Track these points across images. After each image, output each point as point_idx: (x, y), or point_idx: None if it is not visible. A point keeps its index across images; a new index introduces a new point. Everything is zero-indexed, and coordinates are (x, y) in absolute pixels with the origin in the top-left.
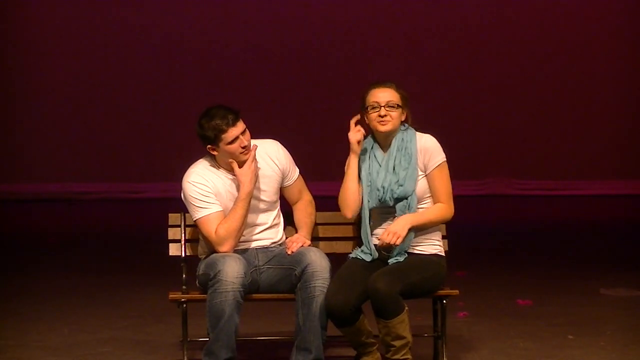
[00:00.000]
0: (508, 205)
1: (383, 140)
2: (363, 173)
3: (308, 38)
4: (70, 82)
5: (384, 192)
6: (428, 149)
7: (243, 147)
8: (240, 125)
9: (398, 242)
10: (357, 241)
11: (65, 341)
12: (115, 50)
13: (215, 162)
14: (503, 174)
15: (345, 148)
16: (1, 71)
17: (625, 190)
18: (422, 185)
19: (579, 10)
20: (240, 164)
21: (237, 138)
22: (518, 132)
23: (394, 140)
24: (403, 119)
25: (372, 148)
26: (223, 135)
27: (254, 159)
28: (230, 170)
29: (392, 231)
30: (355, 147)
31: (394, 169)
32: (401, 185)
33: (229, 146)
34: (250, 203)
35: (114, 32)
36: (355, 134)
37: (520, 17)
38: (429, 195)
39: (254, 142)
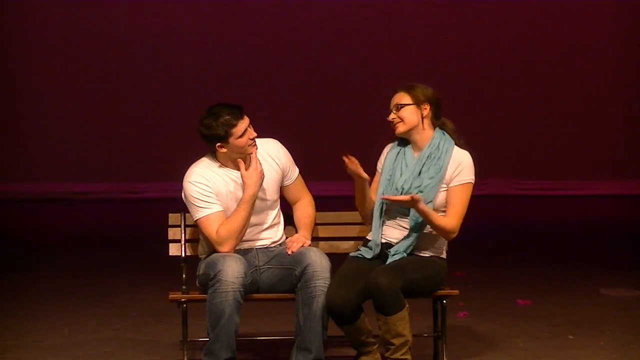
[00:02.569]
0: (508, 205)
1: (412, 140)
2: (386, 167)
3: (309, 37)
4: (70, 82)
5: (402, 193)
6: (460, 163)
7: (251, 139)
8: (246, 118)
9: (402, 202)
10: (364, 241)
11: (65, 341)
12: (116, 50)
13: (218, 161)
14: (504, 174)
15: (345, 147)
16: (1, 71)
17: (625, 190)
18: (442, 197)
19: (578, 11)
20: (246, 159)
21: (245, 130)
22: (519, 132)
23: (427, 145)
24: (424, 114)
25: (405, 145)
26: (233, 130)
27: (259, 160)
28: (235, 168)
29: (410, 197)
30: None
31: (419, 173)
32: (421, 192)
33: (239, 140)
34: (254, 205)
35: (114, 31)
36: (353, 169)
37: (520, 18)
38: (443, 209)
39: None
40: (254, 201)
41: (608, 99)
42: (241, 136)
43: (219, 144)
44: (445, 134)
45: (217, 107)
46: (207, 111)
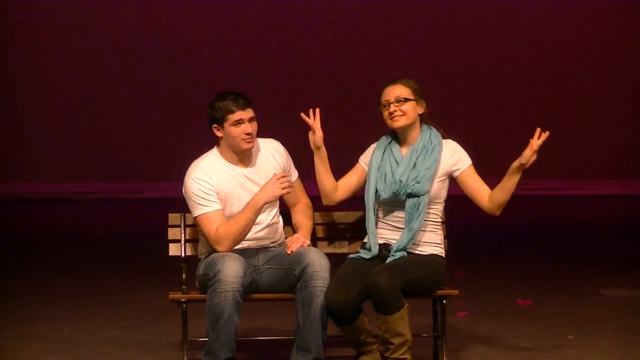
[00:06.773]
0: (508, 205)
1: (403, 136)
2: (373, 165)
3: (309, 37)
4: (71, 82)
5: (400, 186)
6: (456, 152)
7: (247, 134)
8: (249, 112)
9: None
10: (362, 244)
11: (65, 341)
12: (116, 50)
13: (222, 156)
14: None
15: (344, 148)
16: (1, 71)
17: (625, 190)
18: (437, 188)
19: (579, 11)
20: (241, 154)
21: (241, 121)
22: (518, 132)
23: (418, 138)
24: (420, 111)
25: (389, 143)
26: (229, 116)
27: (286, 187)
28: (239, 165)
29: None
30: (314, 149)
31: (415, 165)
32: (418, 183)
33: (233, 128)
34: (259, 212)
35: (115, 32)
36: (313, 137)
37: (521, 18)
38: (438, 200)
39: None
40: (261, 208)
41: (608, 99)
42: (235, 125)
43: (215, 125)
44: (432, 128)
45: (226, 92)
46: (217, 94)
